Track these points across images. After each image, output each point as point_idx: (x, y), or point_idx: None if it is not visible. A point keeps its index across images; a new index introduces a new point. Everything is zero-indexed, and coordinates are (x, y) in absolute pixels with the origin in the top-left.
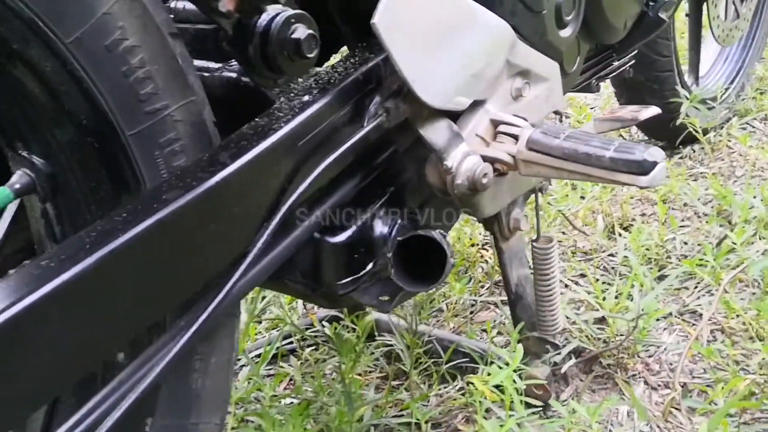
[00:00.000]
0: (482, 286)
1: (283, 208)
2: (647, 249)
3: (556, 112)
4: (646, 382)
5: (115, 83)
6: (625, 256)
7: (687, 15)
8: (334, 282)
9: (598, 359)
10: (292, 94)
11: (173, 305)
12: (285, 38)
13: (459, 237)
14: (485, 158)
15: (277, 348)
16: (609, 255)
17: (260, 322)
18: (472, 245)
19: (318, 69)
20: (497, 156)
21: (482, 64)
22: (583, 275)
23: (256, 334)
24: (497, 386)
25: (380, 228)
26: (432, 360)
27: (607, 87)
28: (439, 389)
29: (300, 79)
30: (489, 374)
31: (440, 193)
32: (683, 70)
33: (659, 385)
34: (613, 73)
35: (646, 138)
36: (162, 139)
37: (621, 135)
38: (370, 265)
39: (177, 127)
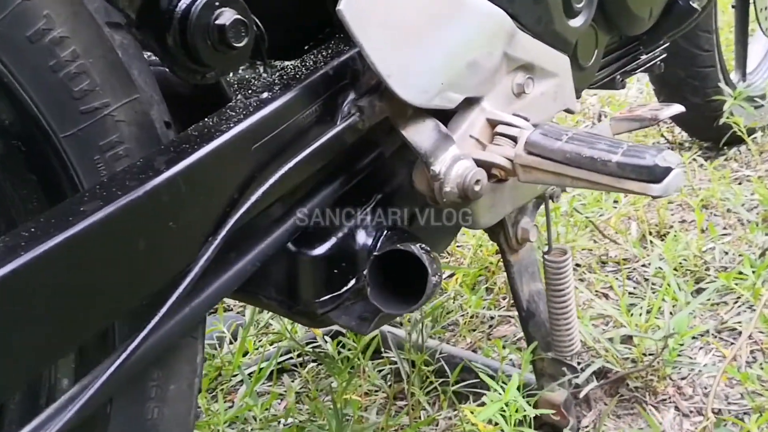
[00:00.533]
0: (503, 298)
1: (231, 221)
2: (684, 259)
3: (568, 111)
4: (677, 408)
5: (43, 79)
6: (659, 268)
7: (733, 6)
8: (312, 300)
9: (625, 381)
10: (250, 91)
11: (94, 330)
12: (207, 24)
13: (480, 244)
14: (480, 163)
15: (279, 364)
16: (642, 266)
17: (266, 335)
18: (496, 252)
19: (287, 63)
20: (493, 160)
21: (473, 57)
22: (612, 288)
23: (255, 349)
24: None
25: (364, 239)
26: (441, 379)
27: (648, 85)
28: (449, 412)
29: (264, 74)
30: (495, 400)
31: (431, 201)
32: (731, 65)
33: (691, 412)
34: (640, 69)
35: (689, 138)
36: (102, 141)
37: (663, 135)
38: (352, 282)
39: (120, 128)
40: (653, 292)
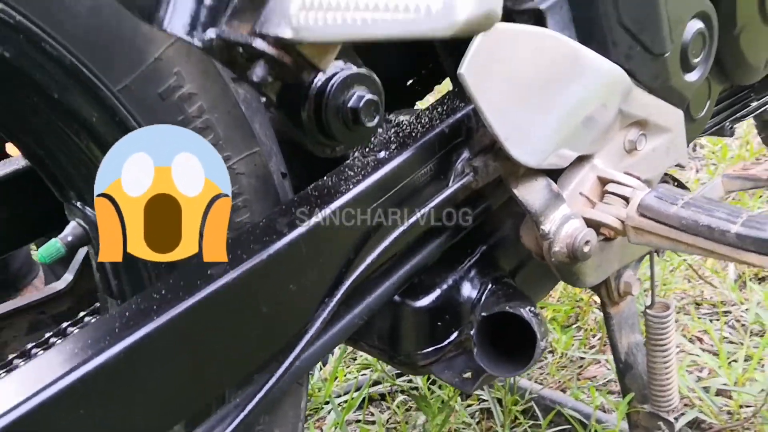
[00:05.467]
0: (593, 335)
1: (347, 283)
2: None
3: (679, 165)
4: None
5: None
6: (758, 314)
7: None
8: (414, 351)
9: None
10: (366, 149)
11: (216, 393)
12: (341, 104)
13: None
14: (589, 222)
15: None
16: (740, 311)
17: (354, 359)
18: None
19: (402, 117)
20: (603, 220)
21: (588, 116)
22: (707, 332)
23: (345, 375)
24: None
25: (468, 292)
26: (531, 421)
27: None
28: None
29: (380, 130)
30: None
31: (538, 257)
32: None
33: None
34: (751, 114)
35: None
36: None
37: None
38: (454, 334)
39: (239, 180)
40: (752, 339)
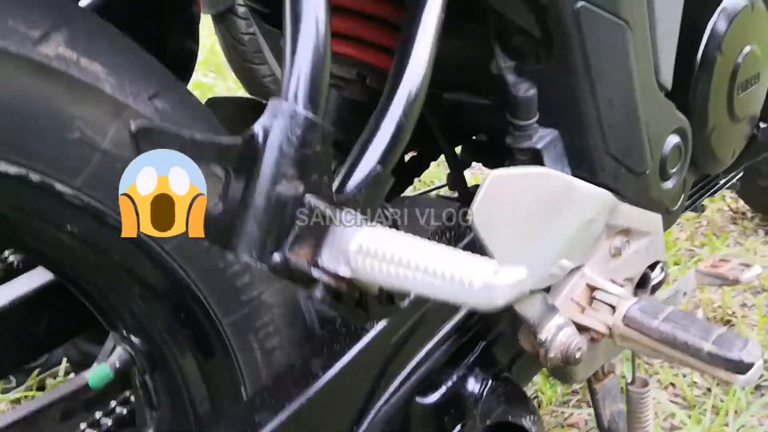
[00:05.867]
0: None
1: (373, 411)
2: None
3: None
4: None
5: (213, 279)
6: None
7: None
8: None
9: None
10: None
11: None
12: (379, 290)
13: None
14: (579, 326)
15: None
16: None
17: None
18: None
19: None
20: (592, 326)
21: (580, 237)
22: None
23: None
24: None
25: (471, 387)
26: None
27: None
28: None
29: None
30: None
31: (533, 357)
32: None
33: None
34: (720, 190)
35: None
36: (257, 324)
37: (729, 206)
38: (458, 427)
39: (271, 311)
40: (717, 385)
